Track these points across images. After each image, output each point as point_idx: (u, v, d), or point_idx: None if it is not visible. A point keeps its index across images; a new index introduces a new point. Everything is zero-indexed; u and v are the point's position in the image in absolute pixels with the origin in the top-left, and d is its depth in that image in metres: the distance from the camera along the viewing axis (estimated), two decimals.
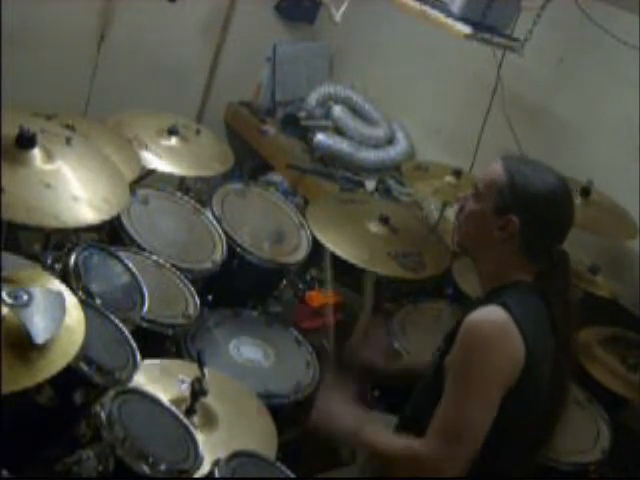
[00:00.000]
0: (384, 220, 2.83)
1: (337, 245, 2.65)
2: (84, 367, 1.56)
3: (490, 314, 1.69)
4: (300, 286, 2.82)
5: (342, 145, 3.64)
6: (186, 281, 2.32)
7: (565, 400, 1.85)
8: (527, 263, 1.78)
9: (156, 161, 2.65)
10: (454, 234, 1.91)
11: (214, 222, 2.60)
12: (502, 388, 1.66)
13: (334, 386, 1.97)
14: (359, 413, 1.84)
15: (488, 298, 1.77)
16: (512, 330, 1.66)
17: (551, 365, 1.76)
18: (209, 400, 1.87)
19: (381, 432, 1.80)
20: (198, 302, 2.29)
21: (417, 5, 2.75)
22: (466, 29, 2.62)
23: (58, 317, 1.44)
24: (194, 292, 2.31)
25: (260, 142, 3.89)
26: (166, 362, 2.05)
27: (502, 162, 1.80)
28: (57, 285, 1.57)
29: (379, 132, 3.75)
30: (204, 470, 1.62)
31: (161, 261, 2.32)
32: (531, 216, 1.74)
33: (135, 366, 1.71)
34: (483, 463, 1.67)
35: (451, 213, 3.08)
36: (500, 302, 1.70)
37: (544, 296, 1.77)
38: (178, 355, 2.22)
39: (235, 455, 1.66)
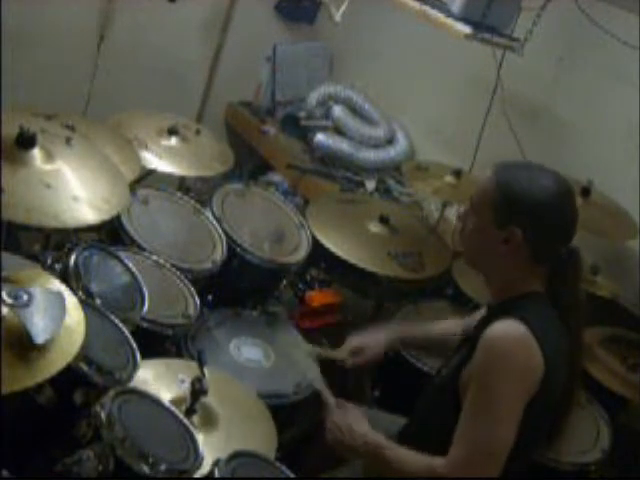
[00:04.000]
0: (384, 220, 2.83)
1: (337, 245, 2.65)
2: (84, 367, 1.56)
3: (510, 329, 1.68)
4: (300, 286, 2.82)
5: (342, 145, 3.64)
6: (186, 281, 2.32)
7: (572, 404, 1.85)
8: (537, 268, 1.76)
9: (156, 161, 2.65)
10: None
11: (214, 222, 2.60)
12: (524, 401, 1.65)
13: (344, 406, 1.97)
14: (372, 431, 1.84)
15: (502, 310, 1.75)
16: (532, 345, 1.65)
17: (565, 373, 1.75)
18: (209, 400, 1.87)
19: (400, 448, 1.78)
20: (198, 302, 2.28)
21: (417, 5, 2.75)
22: (466, 29, 2.62)
23: (58, 317, 1.44)
24: (194, 292, 2.30)
25: (260, 142, 3.89)
26: (166, 362, 2.05)
27: (493, 172, 1.76)
28: (57, 285, 1.56)
29: (379, 132, 3.75)
30: (204, 470, 1.62)
31: (161, 261, 2.32)
32: (532, 223, 1.72)
33: (135, 366, 1.70)
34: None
35: (451, 213, 3.09)
36: (518, 316, 1.68)
37: (557, 305, 1.76)
38: (178, 355, 2.21)
39: (235, 455, 1.66)
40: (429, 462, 1.69)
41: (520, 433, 1.66)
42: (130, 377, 1.67)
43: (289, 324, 2.59)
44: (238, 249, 2.55)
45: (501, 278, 1.80)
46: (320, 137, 3.64)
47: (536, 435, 1.76)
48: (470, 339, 1.75)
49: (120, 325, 1.78)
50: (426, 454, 1.71)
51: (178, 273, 2.32)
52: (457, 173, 2.84)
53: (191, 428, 1.68)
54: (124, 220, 2.34)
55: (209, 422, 1.86)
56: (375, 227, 2.82)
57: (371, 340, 2.26)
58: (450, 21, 2.65)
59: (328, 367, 2.29)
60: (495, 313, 1.76)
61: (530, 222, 1.72)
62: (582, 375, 2.36)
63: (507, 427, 1.63)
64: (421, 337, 2.28)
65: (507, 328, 1.68)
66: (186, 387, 1.85)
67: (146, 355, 1.81)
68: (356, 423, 1.87)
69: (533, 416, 1.67)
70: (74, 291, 1.72)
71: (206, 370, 1.88)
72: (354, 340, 2.28)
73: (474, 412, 1.66)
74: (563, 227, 1.77)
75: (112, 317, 1.79)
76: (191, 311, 2.25)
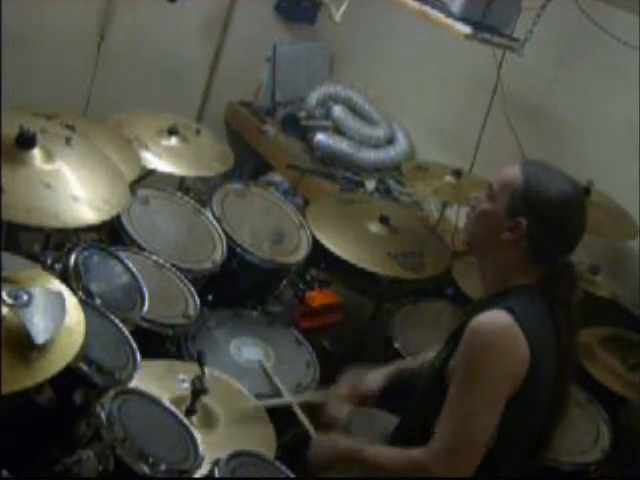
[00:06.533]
0: (384, 220, 2.83)
1: (337, 245, 2.65)
2: (84, 367, 1.55)
3: (495, 318, 1.69)
4: (300, 286, 2.82)
5: (342, 145, 3.65)
6: (186, 281, 2.32)
7: (566, 404, 1.84)
8: (531, 268, 1.77)
9: (156, 161, 2.65)
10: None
11: (214, 222, 2.60)
12: (506, 391, 1.65)
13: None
14: (357, 440, 1.86)
15: (491, 301, 1.76)
16: (517, 334, 1.66)
17: (553, 369, 1.76)
18: (209, 400, 1.87)
19: (382, 448, 1.80)
20: (198, 302, 2.29)
21: (417, 5, 2.75)
22: (466, 29, 2.62)
23: (58, 317, 1.44)
24: (194, 292, 2.30)
25: (260, 142, 3.89)
26: (166, 362, 2.05)
27: (520, 165, 1.80)
28: (57, 285, 1.56)
29: (379, 132, 3.75)
30: (204, 470, 1.62)
31: (161, 261, 2.32)
32: (539, 220, 1.74)
33: (135, 366, 1.70)
34: (484, 466, 1.67)
35: (451, 213, 3.09)
36: (505, 306, 1.69)
37: (547, 300, 1.76)
38: (178, 355, 2.21)
39: (235, 455, 1.66)
40: (407, 453, 1.71)
41: (507, 428, 1.66)
42: (130, 377, 1.67)
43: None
44: (238, 249, 2.55)
45: (495, 268, 1.81)
46: (320, 137, 3.65)
47: (525, 431, 1.76)
48: (458, 332, 1.76)
49: (120, 325, 1.78)
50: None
51: (178, 273, 2.32)
52: (457, 173, 2.84)
53: (191, 428, 1.68)
54: (124, 220, 2.35)
55: (209, 422, 1.86)
56: (375, 227, 2.82)
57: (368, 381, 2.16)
58: (450, 21, 2.65)
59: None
60: (483, 305, 1.77)
61: (537, 217, 1.74)
62: (581, 375, 2.37)
63: (487, 415, 1.64)
64: (415, 368, 2.23)
65: (492, 317, 1.69)
66: (186, 387, 1.85)
67: (146, 355, 1.81)
68: (332, 437, 1.92)
69: (519, 410, 1.67)
70: (74, 291, 1.72)
71: (206, 370, 1.87)
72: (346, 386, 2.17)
73: (455, 400, 1.67)
74: (566, 236, 1.78)
75: (112, 317, 1.79)
76: (191, 311, 2.25)
